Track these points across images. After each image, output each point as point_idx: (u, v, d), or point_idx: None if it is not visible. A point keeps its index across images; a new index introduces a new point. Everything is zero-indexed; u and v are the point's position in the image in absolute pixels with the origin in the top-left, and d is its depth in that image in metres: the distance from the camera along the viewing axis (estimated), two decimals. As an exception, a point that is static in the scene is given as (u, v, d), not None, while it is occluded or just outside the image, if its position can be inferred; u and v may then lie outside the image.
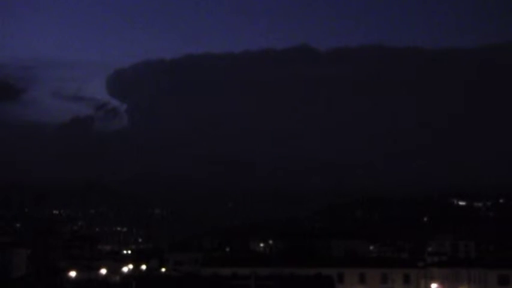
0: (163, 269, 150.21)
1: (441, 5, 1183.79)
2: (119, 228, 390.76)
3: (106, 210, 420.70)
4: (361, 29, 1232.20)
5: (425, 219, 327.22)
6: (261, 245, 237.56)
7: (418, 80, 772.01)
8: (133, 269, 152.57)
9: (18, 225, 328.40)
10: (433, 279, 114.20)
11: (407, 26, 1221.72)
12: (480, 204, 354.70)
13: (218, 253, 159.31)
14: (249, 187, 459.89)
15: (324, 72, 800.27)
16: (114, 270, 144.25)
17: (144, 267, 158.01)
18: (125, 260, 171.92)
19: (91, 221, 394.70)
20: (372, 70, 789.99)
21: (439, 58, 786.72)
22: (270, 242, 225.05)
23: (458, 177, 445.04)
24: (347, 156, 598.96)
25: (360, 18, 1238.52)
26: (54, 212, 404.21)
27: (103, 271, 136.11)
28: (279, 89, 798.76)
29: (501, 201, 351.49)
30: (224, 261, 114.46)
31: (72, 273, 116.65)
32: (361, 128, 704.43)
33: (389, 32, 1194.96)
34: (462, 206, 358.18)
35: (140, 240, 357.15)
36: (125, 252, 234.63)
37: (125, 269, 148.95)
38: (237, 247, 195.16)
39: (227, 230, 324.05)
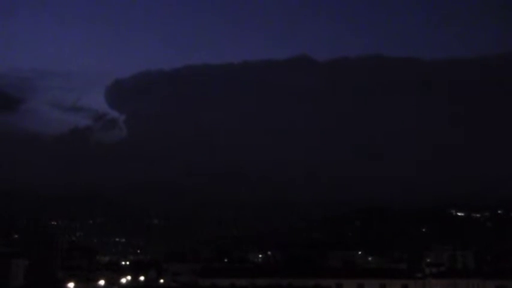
0: (161, 280, 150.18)
1: (440, 16, 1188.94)
2: (117, 239, 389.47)
3: (104, 221, 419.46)
4: (360, 39, 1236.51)
5: (423, 230, 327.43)
6: (260, 255, 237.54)
7: (417, 90, 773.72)
8: (131, 280, 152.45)
9: (16, 236, 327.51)
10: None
11: (406, 37, 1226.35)
12: (478, 215, 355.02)
13: (216, 264, 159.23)
14: (248, 197, 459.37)
15: (323, 82, 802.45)
16: (113, 281, 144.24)
17: (142, 278, 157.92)
18: (123, 271, 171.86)
19: (89, 232, 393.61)
20: (371, 80, 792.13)
21: (439, 68, 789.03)
22: (269, 252, 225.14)
23: (457, 188, 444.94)
24: (346, 166, 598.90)
25: (359, 28, 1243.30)
26: (53, 222, 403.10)
27: (101, 282, 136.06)
28: (278, 99, 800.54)
29: (499, 212, 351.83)
30: (222, 272, 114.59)
31: (71, 284, 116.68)
32: (361, 138, 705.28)
33: (388, 43, 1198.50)
34: (461, 216, 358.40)
35: (139, 251, 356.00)
36: (123, 263, 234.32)
37: (123, 280, 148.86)
38: (235, 258, 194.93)
39: (225, 240, 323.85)
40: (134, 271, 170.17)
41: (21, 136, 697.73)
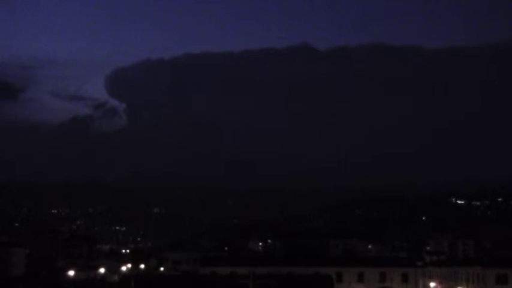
0: (162, 268, 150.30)
1: (441, 4, 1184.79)
2: (117, 228, 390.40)
3: (105, 210, 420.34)
4: (361, 27, 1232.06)
5: (423, 218, 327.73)
6: (260, 244, 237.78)
7: (418, 78, 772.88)
8: (132, 268, 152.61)
9: (17, 224, 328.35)
10: (432, 279, 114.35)
11: (407, 25, 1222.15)
12: (478, 204, 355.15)
13: (217, 252, 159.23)
14: (248, 186, 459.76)
15: (324, 71, 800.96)
16: (113, 269, 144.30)
17: (142, 266, 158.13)
18: (124, 259, 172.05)
19: (90, 220, 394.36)
20: (372, 69, 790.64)
21: (439, 57, 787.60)
22: (269, 241, 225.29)
23: (457, 177, 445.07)
24: (346, 155, 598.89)
25: (360, 17, 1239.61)
26: (53, 211, 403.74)
27: (102, 270, 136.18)
28: (279, 88, 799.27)
29: (499, 200, 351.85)
30: (223, 260, 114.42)
31: (71, 273, 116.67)
32: (361, 127, 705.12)
33: (389, 31, 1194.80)
34: (461, 205, 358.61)
35: (139, 239, 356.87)
36: (123, 251, 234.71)
37: (124, 268, 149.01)
38: (235, 246, 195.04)
39: (226, 229, 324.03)
40: (134, 259, 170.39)
41: (21, 125, 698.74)
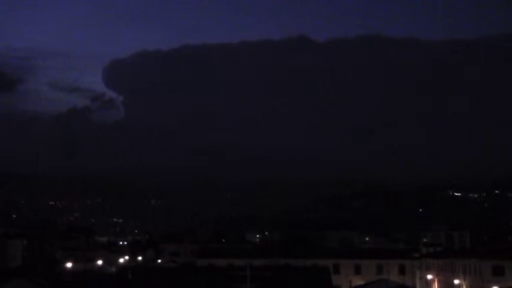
0: (159, 260, 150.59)
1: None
2: (115, 219, 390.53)
3: (102, 201, 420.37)
4: (360, 19, 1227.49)
5: (421, 210, 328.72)
6: (257, 236, 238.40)
7: (417, 71, 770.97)
8: (129, 260, 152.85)
9: (14, 216, 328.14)
10: (428, 270, 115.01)
11: (406, 17, 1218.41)
12: (475, 195, 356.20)
13: (214, 244, 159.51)
14: (245, 178, 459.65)
15: (322, 63, 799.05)
16: (111, 261, 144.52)
17: (140, 258, 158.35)
18: (121, 251, 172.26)
19: (87, 212, 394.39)
20: (371, 61, 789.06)
21: (438, 49, 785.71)
22: (266, 233, 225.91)
23: (454, 168, 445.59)
24: (344, 146, 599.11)
25: (358, 8, 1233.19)
26: (50, 202, 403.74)
27: (99, 262, 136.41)
28: (276, 80, 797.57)
29: (496, 192, 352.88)
30: (220, 252, 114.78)
31: (69, 264, 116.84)
32: (359, 118, 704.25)
33: (387, 23, 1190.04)
34: (458, 196, 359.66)
35: (136, 231, 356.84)
36: (121, 243, 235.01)
37: (121, 260, 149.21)
38: (233, 238, 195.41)
39: (223, 221, 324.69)
40: (132, 251, 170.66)
41: (19, 116, 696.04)
